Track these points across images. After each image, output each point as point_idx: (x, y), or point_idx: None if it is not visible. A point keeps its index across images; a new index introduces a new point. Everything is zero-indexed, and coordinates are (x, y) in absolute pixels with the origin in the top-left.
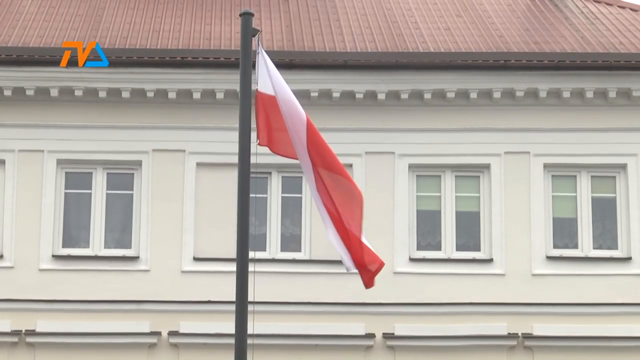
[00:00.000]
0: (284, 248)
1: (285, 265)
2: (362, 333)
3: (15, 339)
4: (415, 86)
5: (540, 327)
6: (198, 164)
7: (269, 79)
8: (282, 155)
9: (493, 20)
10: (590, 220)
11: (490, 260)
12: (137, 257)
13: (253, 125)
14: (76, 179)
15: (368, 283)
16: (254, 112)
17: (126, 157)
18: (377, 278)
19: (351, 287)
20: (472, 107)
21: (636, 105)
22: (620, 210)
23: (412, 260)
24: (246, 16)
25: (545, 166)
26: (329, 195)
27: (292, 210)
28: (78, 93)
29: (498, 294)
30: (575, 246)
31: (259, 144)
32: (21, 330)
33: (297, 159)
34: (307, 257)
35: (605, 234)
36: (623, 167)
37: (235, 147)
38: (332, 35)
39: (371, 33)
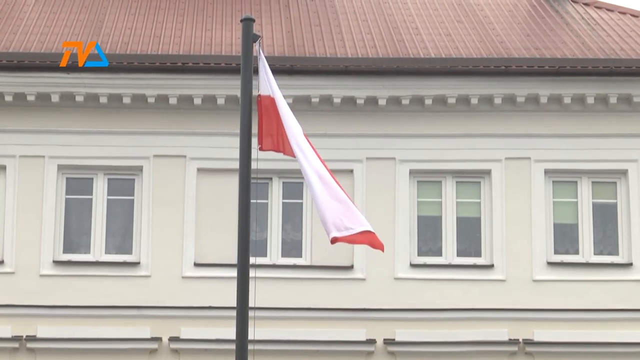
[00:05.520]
0: (284, 254)
1: (286, 271)
2: (363, 339)
3: (16, 345)
4: (416, 92)
5: (541, 333)
6: (199, 170)
7: (268, 82)
8: (285, 154)
9: (494, 26)
10: (591, 226)
11: (491, 266)
12: (138, 263)
13: (254, 130)
14: (77, 184)
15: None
16: (255, 118)
17: (127, 162)
18: (379, 283)
19: (352, 292)
20: (473, 113)
21: (637, 111)
22: (621, 216)
23: (412, 266)
24: (247, 22)
25: (546, 172)
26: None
27: (293, 216)
28: (79, 98)
29: (499, 299)
30: (576, 252)
31: (260, 149)
32: (22, 336)
33: (294, 156)
34: (308, 263)
35: (606, 239)
36: (624, 172)
37: (236, 153)
38: (333, 41)
39: (372, 39)
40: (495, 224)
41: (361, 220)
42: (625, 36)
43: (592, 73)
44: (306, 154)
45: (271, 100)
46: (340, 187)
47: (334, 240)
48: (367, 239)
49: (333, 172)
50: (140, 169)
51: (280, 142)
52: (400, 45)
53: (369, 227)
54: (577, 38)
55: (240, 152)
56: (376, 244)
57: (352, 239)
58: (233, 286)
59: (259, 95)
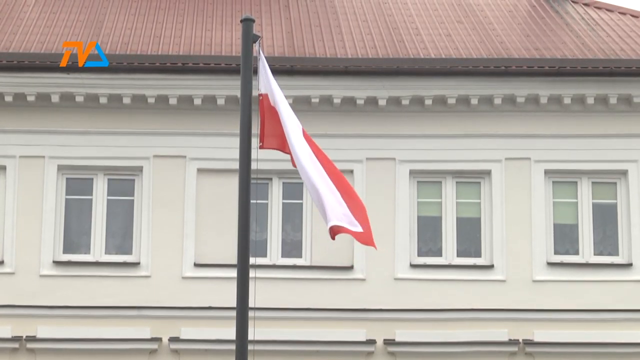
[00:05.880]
0: (284, 254)
1: (286, 271)
2: (363, 339)
3: (16, 345)
4: (416, 92)
5: (541, 333)
6: (199, 170)
7: (268, 83)
8: (283, 152)
9: (494, 27)
10: (591, 227)
11: (491, 267)
12: (138, 263)
13: (254, 131)
14: (77, 184)
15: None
16: (255, 118)
17: (127, 163)
18: (379, 284)
19: (352, 293)
20: (473, 113)
21: (637, 111)
22: (621, 216)
23: (413, 266)
24: (247, 22)
25: (546, 172)
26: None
27: (293, 216)
28: (79, 99)
29: (499, 300)
30: (576, 252)
31: (261, 147)
32: (22, 336)
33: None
34: (307, 263)
35: (606, 240)
36: (624, 173)
37: (236, 153)
38: (333, 42)
39: (372, 39)
40: (495, 224)
41: (353, 221)
42: (625, 36)
43: (592, 73)
44: (304, 151)
45: (271, 102)
46: (340, 185)
47: (335, 231)
48: (362, 238)
49: None
50: (140, 169)
51: (283, 143)
52: (400, 46)
53: (360, 229)
54: (577, 38)
55: (240, 152)
56: (370, 243)
57: (350, 233)
58: (233, 286)
59: (260, 94)
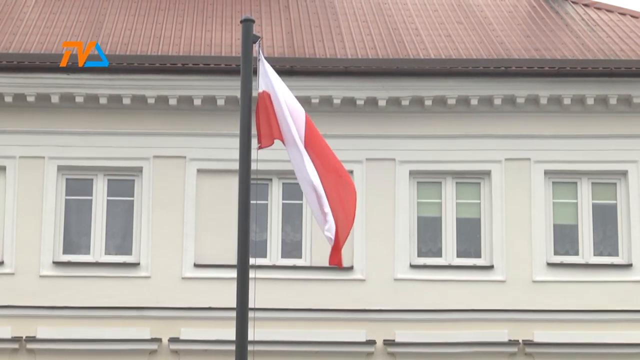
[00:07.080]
0: (284, 254)
1: (285, 272)
2: (363, 339)
3: (15, 346)
4: (415, 93)
5: (541, 334)
6: (199, 171)
7: (268, 79)
8: (278, 139)
9: (494, 27)
10: (590, 227)
11: (491, 267)
12: (138, 264)
13: (254, 131)
14: (77, 185)
15: (334, 259)
16: (254, 118)
17: (127, 163)
18: (378, 284)
19: (352, 293)
20: (473, 114)
21: (637, 112)
22: (621, 216)
23: (412, 266)
24: (247, 23)
25: (546, 173)
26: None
27: (292, 217)
28: (79, 99)
29: (499, 300)
30: (576, 253)
31: (259, 147)
32: (22, 337)
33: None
34: (307, 264)
35: (606, 240)
36: (624, 173)
37: (236, 154)
38: (332, 42)
39: (372, 39)
40: (495, 224)
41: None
42: (625, 37)
43: (592, 74)
44: (302, 156)
45: (268, 96)
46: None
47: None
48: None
49: None
50: (140, 169)
51: (278, 134)
52: (400, 46)
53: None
54: (577, 39)
55: (240, 153)
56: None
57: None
58: (233, 287)
59: (259, 94)
